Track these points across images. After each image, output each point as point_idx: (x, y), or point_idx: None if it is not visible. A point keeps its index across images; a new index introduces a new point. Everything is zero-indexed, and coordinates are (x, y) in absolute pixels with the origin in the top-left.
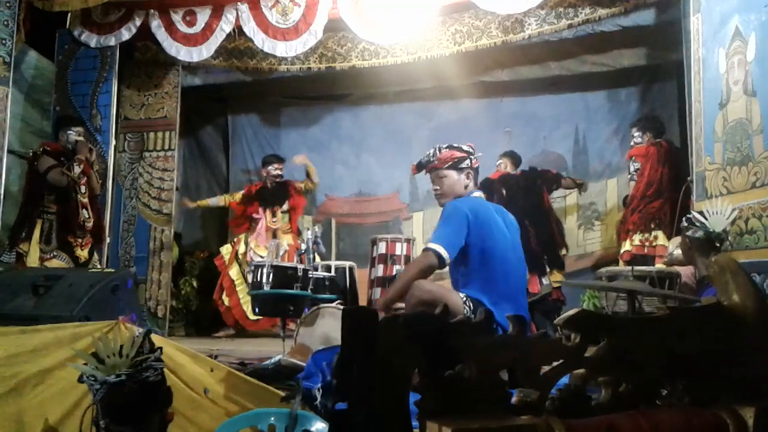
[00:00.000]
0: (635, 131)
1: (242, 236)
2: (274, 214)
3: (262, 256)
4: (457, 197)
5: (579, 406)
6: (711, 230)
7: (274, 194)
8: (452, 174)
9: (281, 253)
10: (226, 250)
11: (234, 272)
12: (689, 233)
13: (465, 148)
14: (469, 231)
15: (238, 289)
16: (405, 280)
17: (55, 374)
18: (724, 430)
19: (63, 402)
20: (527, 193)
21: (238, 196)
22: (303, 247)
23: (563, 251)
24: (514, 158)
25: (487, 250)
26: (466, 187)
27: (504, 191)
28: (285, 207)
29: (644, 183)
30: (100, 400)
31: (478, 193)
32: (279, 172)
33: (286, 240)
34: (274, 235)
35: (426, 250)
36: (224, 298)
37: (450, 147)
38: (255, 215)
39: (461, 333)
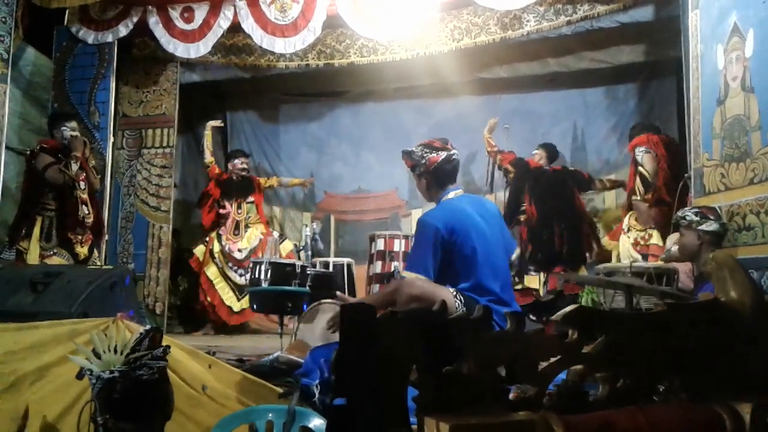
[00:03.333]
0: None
1: (213, 234)
2: (239, 206)
3: (240, 249)
4: (432, 199)
5: (577, 401)
6: (726, 223)
7: (240, 187)
8: (415, 177)
9: (257, 243)
10: (199, 251)
11: (211, 271)
12: (703, 227)
13: (417, 153)
14: (444, 246)
15: (218, 287)
16: (384, 300)
17: (54, 371)
18: (721, 426)
19: (61, 398)
20: (556, 192)
21: (212, 164)
22: (276, 235)
23: (590, 254)
24: (551, 152)
25: (468, 257)
26: (428, 188)
27: (533, 186)
28: (250, 199)
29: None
30: (96, 395)
31: (453, 193)
32: (245, 166)
33: (259, 229)
34: (237, 226)
35: (402, 278)
36: (207, 298)
37: (404, 151)
38: (222, 210)
39: (460, 329)
